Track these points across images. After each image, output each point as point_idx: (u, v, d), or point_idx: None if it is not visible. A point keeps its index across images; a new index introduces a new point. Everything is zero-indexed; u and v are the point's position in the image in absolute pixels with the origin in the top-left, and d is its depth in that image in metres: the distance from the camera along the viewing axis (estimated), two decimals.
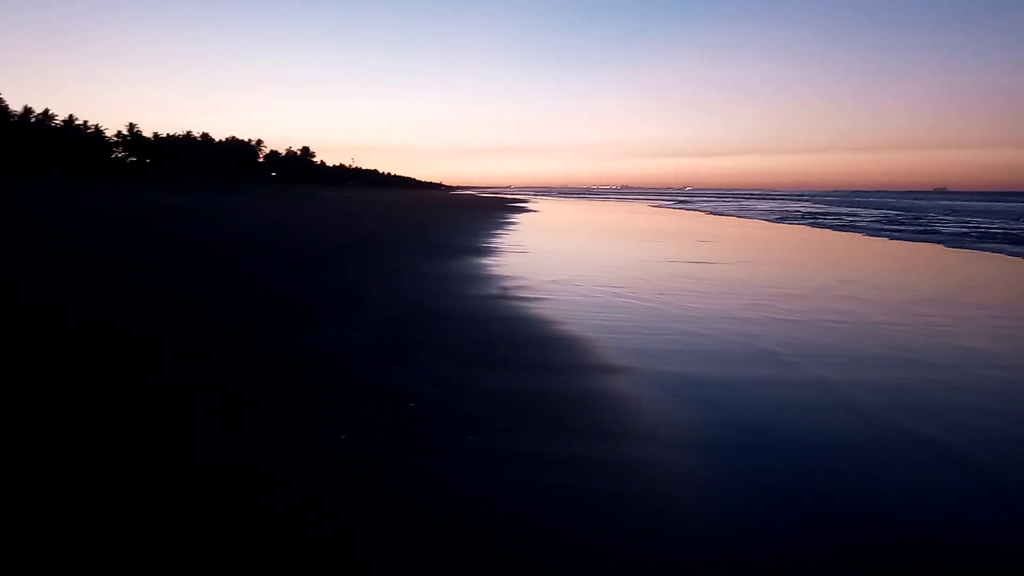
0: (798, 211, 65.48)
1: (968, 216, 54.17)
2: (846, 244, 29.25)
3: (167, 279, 12.75)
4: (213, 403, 6.01)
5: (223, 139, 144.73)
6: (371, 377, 6.96)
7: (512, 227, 34.99)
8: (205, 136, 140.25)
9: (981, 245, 27.62)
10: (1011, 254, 24.27)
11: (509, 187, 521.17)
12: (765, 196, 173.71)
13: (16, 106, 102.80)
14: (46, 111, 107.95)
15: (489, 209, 61.24)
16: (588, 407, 6.44)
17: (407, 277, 14.67)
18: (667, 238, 30.56)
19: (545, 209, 67.45)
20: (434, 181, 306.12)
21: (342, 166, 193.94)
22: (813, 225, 42.89)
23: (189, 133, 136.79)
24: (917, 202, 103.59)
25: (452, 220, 41.57)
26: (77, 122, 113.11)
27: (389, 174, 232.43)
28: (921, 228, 38.67)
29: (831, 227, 40.57)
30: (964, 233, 34.56)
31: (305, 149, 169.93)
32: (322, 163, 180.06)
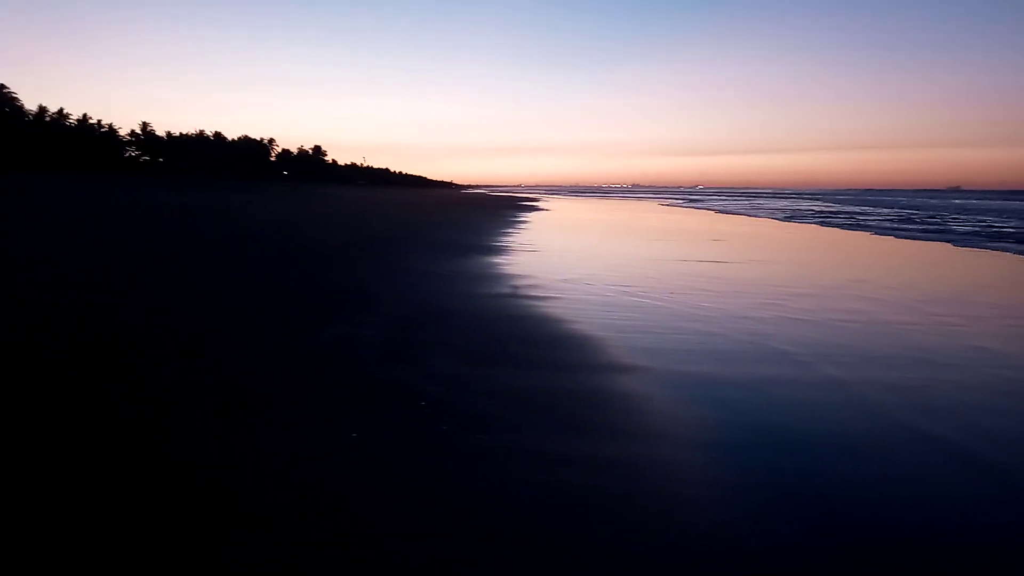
0: (808, 210, 65.18)
1: (981, 215, 53.75)
2: (854, 243, 29.08)
3: (173, 278, 12.82)
4: (218, 403, 6.03)
5: (235, 138, 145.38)
6: (381, 375, 6.98)
7: (523, 226, 34.99)
8: (217, 135, 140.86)
9: (990, 244, 27.44)
10: (1019, 253, 24.14)
11: (520, 186, 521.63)
12: (777, 195, 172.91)
13: (31, 105, 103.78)
14: (60, 110, 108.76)
15: (500, 208, 61.24)
16: (599, 406, 6.44)
17: (418, 275, 14.70)
18: (677, 237, 30.49)
19: (556, 208, 67.40)
20: (445, 180, 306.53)
21: (353, 165, 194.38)
22: (823, 224, 42.70)
23: (202, 132, 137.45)
24: (930, 201, 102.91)
25: (463, 219, 41.58)
26: (91, 121, 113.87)
27: (400, 173, 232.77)
28: (931, 227, 38.36)
29: (840, 226, 40.38)
30: (974, 232, 34.25)
31: (317, 148, 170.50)
32: (334, 162, 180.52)
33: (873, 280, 15.75)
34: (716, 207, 75.53)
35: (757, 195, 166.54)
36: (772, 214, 57.01)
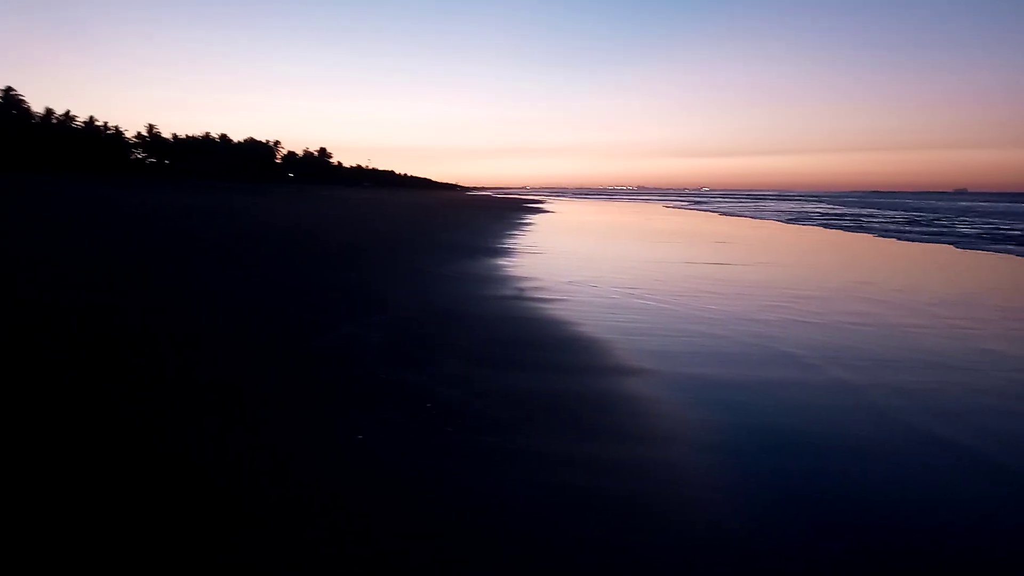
0: (813, 212, 65.07)
1: (985, 217, 53.57)
2: (857, 245, 29.01)
3: (176, 279, 12.85)
4: (218, 402, 6.04)
5: (241, 140, 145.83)
6: (387, 377, 6.99)
7: (528, 228, 35.00)
8: (223, 137, 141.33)
9: (993, 246, 27.41)
10: (1021, 255, 24.11)
11: (524, 188, 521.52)
12: (782, 197, 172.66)
13: (38, 108, 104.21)
14: (67, 113, 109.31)
15: (505, 210, 61.28)
16: (605, 408, 6.43)
17: (423, 277, 14.72)
18: (682, 239, 30.46)
19: (561, 210, 67.40)
20: (450, 182, 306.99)
21: (359, 167, 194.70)
22: (825, 226, 42.65)
23: (207, 134, 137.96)
24: (935, 203, 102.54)
25: (468, 221, 41.62)
26: (97, 123, 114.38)
27: (405, 175, 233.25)
28: (934, 229, 38.27)
29: (842, 228, 40.36)
30: (977, 234, 34.18)
31: (322, 150, 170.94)
32: (339, 164, 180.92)
33: (878, 282, 15.72)
34: (721, 209, 75.47)
35: (762, 197, 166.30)
36: (776, 216, 56.96)
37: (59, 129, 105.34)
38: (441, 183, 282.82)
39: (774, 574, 3.73)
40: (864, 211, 67.87)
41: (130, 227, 23.82)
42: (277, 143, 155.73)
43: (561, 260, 19.85)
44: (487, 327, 9.81)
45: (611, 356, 8.34)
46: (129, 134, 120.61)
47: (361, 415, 5.87)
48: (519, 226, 36.24)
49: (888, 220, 48.60)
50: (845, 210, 71.60)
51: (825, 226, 42.69)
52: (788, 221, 48.98)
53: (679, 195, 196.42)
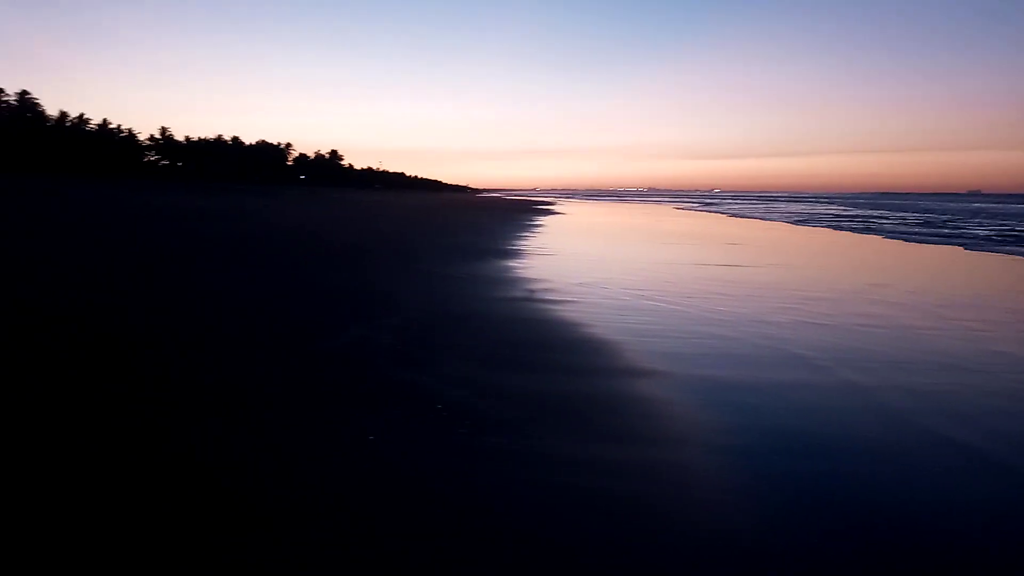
0: (823, 214, 64.80)
1: (999, 219, 53.21)
2: (867, 247, 28.86)
3: (183, 280, 12.93)
4: (227, 405, 6.07)
5: (253, 143, 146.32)
6: (397, 378, 7.02)
7: (538, 229, 35.02)
8: (235, 140, 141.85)
9: (1002, 248, 27.23)
10: None
11: (535, 189, 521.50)
12: (794, 198, 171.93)
13: (52, 111, 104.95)
14: (81, 116, 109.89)
15: (515, 211, 61.30)
16: (615, 410, 6.44)
17: (433, 279, 14.76)
18: (692, 240, 30.40)
19: (571, 211, 67.38)
20: (461, 184, 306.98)
21: (370, 169, 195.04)
22: (836, 228, 42.48)
23: (220, 137, 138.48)
24: (948, 205, 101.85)
25: (478, 223, 41.66)
26: (111, 126, 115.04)
27: (416, 177, 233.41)
28: (946, 231, 38.05)
29: (852, 230, 40.19)
30: (987, 236, 33.97)
31: (333, 152, 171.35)
32: (350, 166, 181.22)
33: (888, 284, 15.66)
34: (730, 211, 75.23)
35: (774, 199, 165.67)
36: (786, 217, 56.76)
37: (73, 132, 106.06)
38: (452, 185, 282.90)
39: (784, 575, 3.73)
40: (876, 213, 67.54)
41: (141, 229, 23.97)
42: (288, 145, 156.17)
43: (571, 262, 19.86)
44: (497, 328, 9.84)
45: (621, 358, 8.35)
46: (142, 137, 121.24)
47: (366, 416, 5.89)
48: (529, 227, 36.27)
49: (899, 222, 48.35)
50: (857, 212, 71.25)
51: (835, 228, 42.51)
52: (798, 223, 48.81)
53: (690, 197, 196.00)
